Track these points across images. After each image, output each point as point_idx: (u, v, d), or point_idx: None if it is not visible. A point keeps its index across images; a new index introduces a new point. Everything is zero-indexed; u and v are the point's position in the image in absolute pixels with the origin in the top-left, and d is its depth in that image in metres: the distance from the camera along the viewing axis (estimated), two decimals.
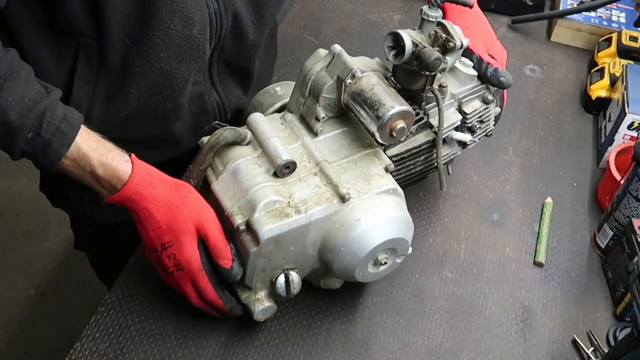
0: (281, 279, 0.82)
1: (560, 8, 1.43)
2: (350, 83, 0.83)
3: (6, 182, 2.17)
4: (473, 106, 0.95)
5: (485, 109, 0.97)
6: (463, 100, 0.95)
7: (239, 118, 1.06)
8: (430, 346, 0.91)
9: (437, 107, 0.89)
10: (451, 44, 0.84)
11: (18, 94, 0.73)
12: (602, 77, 1.28)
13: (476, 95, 0.96)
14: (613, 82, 1.25)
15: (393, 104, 0.79)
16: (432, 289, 0.98)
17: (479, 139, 1.01)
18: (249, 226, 0.78)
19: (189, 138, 1.01)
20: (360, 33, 1.42)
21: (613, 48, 1.33)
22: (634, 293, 0.81)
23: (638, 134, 1.12)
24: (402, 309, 0.95)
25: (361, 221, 0.79)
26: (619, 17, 1.46)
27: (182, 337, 0.89)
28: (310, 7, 1.48)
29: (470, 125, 0.97)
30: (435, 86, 0.89)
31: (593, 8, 1.41)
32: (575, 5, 1.42)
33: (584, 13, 1.42)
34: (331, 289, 0.91)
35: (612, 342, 0.92)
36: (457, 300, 0.97)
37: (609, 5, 1.43)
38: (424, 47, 0.82)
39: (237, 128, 0.84)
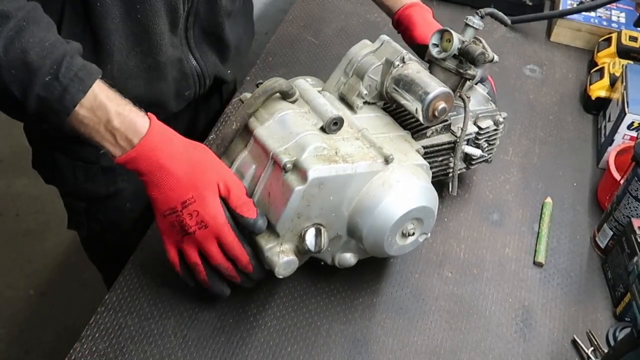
0: (311, 231, 0.82)
1: (560, 8, 1.43)
2: (398, 65, 0.90)
3: (6, 182, 2.17)
4: (486, 124, 1.02)
5: (495, 130, 1.04)
6: (479, 116, 1.02)
7: (218, 87, 1.12)
8: (430, 346, 0.91)
9: (459, 115, 0.98)
10: (486, 55, 0.91)
11: (39, 37, 0.74)
12: (602, 77, 1.28)
13: (489, 115, 1.03)
14: (613, 82, 1.25)
15: (437, 86, 0.87)
16: (432, 289, 0.98)
17: (480, 162, 1.07)
18: (296, 166, 0.79)
19: (172, 102, 1.04)
20: (360, 33, 1.42)
21: (613, 48, 1.33)
22: (633, 293, 0.81)
23: (638, 134, 1.12)
24: (402, 309, 0.95)
25: (401, 183, 0.82)
26: (618, 17, 1.46)
27: (182, 337, 0.89)
28: (310, 7, 1.48)
29: (479, 143, 1.03)
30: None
31: (593, 8, 1.41)
32: (575, 5, 1.42)
33: (583, 13, 1.42)
34: (344, 266, 0.90)
35: (612, 342, 0.92)
36: (457, 300, 0.97)
37: (608, 5, 1.43)
38: (469, 44, 0.91)
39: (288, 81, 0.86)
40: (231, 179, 0.81)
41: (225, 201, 0.80)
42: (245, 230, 0.82)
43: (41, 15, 0.77)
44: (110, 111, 0.76)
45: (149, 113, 0.79)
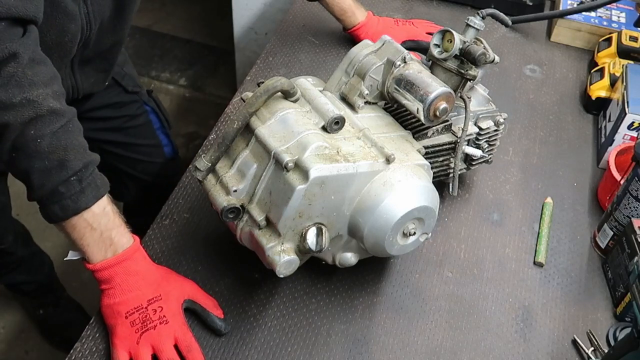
0: (312, 230, 0.82)
1: (560, 8, 1.43)
2: (399, 65, 0.90)
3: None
4: (487, 124, 1.03)
5: (495, 131, 1.04)
6: (479, 117, 1.02)
7: (84, 101, 1.20)
8: (430, 346, 0.91)
9: (460, 116, 0.98)
10: (487, 55, 0.91)
11: (79, 141, 0.82)
12: (602, 77, 1.28)
13: (490, 116, 1.03)
14: (613, 82, 1.25)
15: (438, 86, 0.88)
16: (432, 289, 0.98)
17: (480, 162, 1.07)
18: (298, 165, 0.79)
19: None
20: None
21: (613, 48, 1.33)
22: (634, 293, 0.81)
23: (638, 134, 1.12)
24: (402, 309, 0.95)
25: (403, 182, 0.83)
26: (619, 17, 1.46)
27: None
28: (310, 7, 1.48)
29: (480, 143, 1.03)
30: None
31: (593, 8, 1.41)
32: (575, 5, 1.42)
33: (584, 13, 1.42)
34: (345, 266, 0.90)
35: (612, 342, 0.92)
36: (457, 300, 0.97)
37: (609, 5, 1.43)
38: (470, 44, 0.92)
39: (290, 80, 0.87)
40: (198, 289, 0.91)
41: (194, 303, 0.89)
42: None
43: (78, 122, 0.84)
44: (113, 222, 0.85)
45: (134, 235, 0.88)
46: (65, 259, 0.87)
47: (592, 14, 1.44)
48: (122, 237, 0.86)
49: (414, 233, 0.86)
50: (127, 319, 0.84)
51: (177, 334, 0.84)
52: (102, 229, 0.84)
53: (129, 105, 1.33)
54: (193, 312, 0.90)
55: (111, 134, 1.33)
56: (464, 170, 1.07)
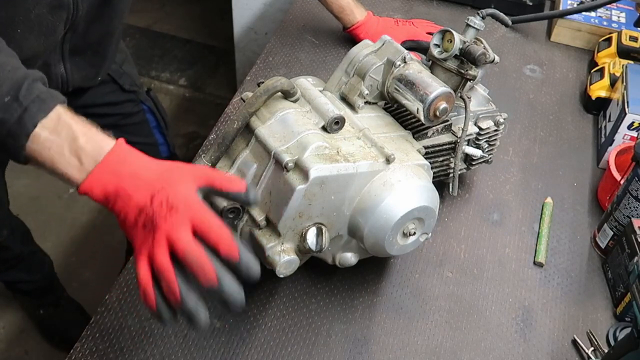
0: (312, 230, 0.82)
1: (560, 8, 1.43)
2: (400, 65, 0.90)
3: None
4: (487, 124, 1.03)
5: (495, 131, 1.04)
6: (479, 117, 1.02)
7: (78, 95, 1.17)
8: (430, 346, 0.91)
9: (460, 116, 0.98)
10: (487, 55, 0.91)
11: (0, 60, 0.71)
12: (602, 77, 1.28)
13: (490, 116, 1.03)
14: (613, 82, 1.25)
15: (438, 86, 0.88)
16: (432, 289, 0.98)
17: (480, 162, 1.07)
18: (298, 165, 0.79)
19: None
20: None
21: (613, 48, 1.33)
22: (634, 293, 0.81)
23: (638, 134, 1.12)
24: (402, 309, 0.95)
25: (403, 182, 0.83)
26: (619, 17, 1.46)
27: (182, 337, 0.89)
28: (310, 7, 1.48)
29: (480, 143, 1.03)
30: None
31: (593, 8, 1.41)
32: (575, 5, 1.42)
33: (584, 13, 1.42)
34: (345, 266, 0.90)
35: (612, 342, 0.92)
36: (457, 300, 0.97)
37: (609, 5, 1.43)
38: (470, 44, 0.92)
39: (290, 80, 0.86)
40: (209, 169, 0.75)
41: (209, 190, 0.72)
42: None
43: (4, 46, 0.74)
44: (76, 131, 0.70)
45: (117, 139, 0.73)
46: (68, 194, 0.77)
47: (592, 14, 1.44)
48: (98, 143, 0.70)
49: (414, 233, 0.86)
50: (137, 225, 0.69)
51: (192, 217, 0.68)
52: (68, 141, 0.69)
53: (125, 103, 1.33)
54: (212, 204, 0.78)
55: (105, 131, 1.33)
56: (464, 170, 1.07)
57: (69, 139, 0.69)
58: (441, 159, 0.99)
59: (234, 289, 0.65)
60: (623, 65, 1.22)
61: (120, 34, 1.18)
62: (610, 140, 1.16)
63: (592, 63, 1.38)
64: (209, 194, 0.72)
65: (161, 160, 0.73)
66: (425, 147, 0.94)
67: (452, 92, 0.89)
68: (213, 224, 0.67)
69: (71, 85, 1.12)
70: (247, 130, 0.84)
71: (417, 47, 1.31)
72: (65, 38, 1.02)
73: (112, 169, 0.69)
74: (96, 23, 1.05)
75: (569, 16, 1.42)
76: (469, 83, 0.95)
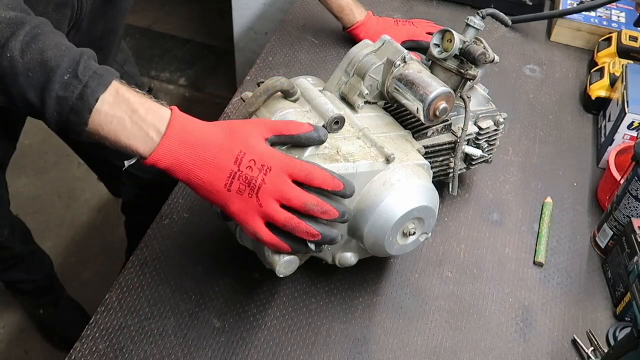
0: None
1: (560, 8, 1.43)
2: (400, 65, 0.90)
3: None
4: (487, 124, 1.02)
5: (495, 131, 1.04)
6: (479, 117, 1.02)
7: None
8: (430, 346, 0.91)
9: (460, 116, 0.98)
10: (487, 56, 0.91)
11: (55, 41, 0.72)
12: (602, 77, 1.28)
13: (490, 116, 1.03)
14: (613, 82, 1.25)
15: (438, 86, 0.88)
16: (432, 289, 0.98)
17: (480, 162, 1.07)
18: None
19: None
20: None
21: (613, 48, 1.33)
22: (634, 293, 0.81)
23: (638, 134, 1.12)
24: (402, 309, 0.95)
25: (403, 182, 0.83)
26: (619, 17, 1.46)
27: (182, 337, 0.89)
28: (310, 7, 1.48)
29: (480, 143, 1.03)
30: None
31: (593, 8, 1.41)
32: (575, 5, 1.42)
33: (584, 13, 1.42)
34: (345, 266, 0.90)
35: (612, 342, 0.92)
36: (457, 300, 0.97)
37: (609, 5, 1.43)
38: (470, 44, 0.92)
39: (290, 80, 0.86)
40: (268, 121, 0.78)
41: (278, 139, 0.76)
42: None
43: (53, 28, 0.76)
44: (135, 103, 0.72)
45: (170, 107, 0.76)
46: (124, 169, 0.77)
47: (592, 14, 1.44)
48: (157, 113, 0.73)
49: (414, 233, 0.86)
50: (231, 192, 0.73)
51: (287, 170, 0.73)
52: (129, 114, 0.72)
53: None
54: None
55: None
56: (464, 170, 1.07)
57: (130, 112, 0.72)
58: (441, 159, 0.99)
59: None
60: (623, 65, 1.22)
61: (122, 32, 1.18)
62: (610, 140, 1.16)
63: (592, 63, 1.38)
64: (277, 144, 0.76)
65: (215, 122, 0.76)
66: (425, 147, 0.94)
67: (452, 92, 0.89)
68: (310, 170, 0.73)
69: None
70: None
71: (417, 47, 1.31)
72: (69, 36, 1.02)
73: (179, 139, 0.72)
74: (100, 20, 1.05)
75: (569, 16, 1.42)
76: (469, 83, 0.95)
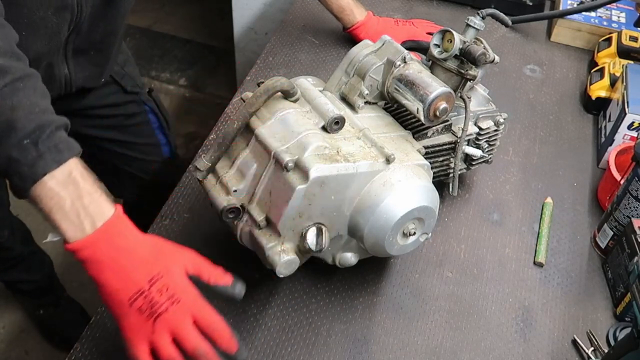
0: (312, 230, 0.82)
1: (560, 8, 1.43)
2: (399, 65, 0.90)
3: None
4: (487, 124, 1.03)
5: (495, 131, 1.04)
6: (479, 117, 1.02)
7: (81, 96, 1.16)
8: (430, 346, 0.91)
9: (460, 116, 0.97)
10: (487, 56, 0.91)
11: (32, 101, 0.71)
12: (602, 77, 1.28)
13: (490, 116, 1.03)
14: (613, 82, 1.25)
15: (438, 86, 0.88)
16: (432, 289, 0.98)
17: (480, 162, 1.07)
18: (298, 165, 0.79)
19: None
20: None
21: (613, 48, 1.33)
22: (634, 293, 0.81)
23: (638, 134, 1.12)
24: (402, 309, 0.95)
25: (403, 182, 0.83)
26: (619, 17, 1.46)
27: None
28: (310, 7, 1.48)
29: (480, 143, 1.03)
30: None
31: (593, 8, 1.41)
32: (575, 5, 1.42)
33: (584, 13, 1.42)
34: (345, 266, 0.90)
35: (612, 342, 0.92)
36: (457, 300, 0.97)
37: (609, 5, 1.43)
38: (470, 44, 0.92)
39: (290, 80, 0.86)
40: (197, 256, 0.77)
41: (196, 279, 0.75)
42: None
43: (39, 84, 0.75)
44: (83, 189, 0.71)
45: (115, 203, 0.75)
46: (44, 241, 0.78)
47: (592, 14, 1.44)
48: (100, 206, 0.72)
49: (414, 233, 0.86)
50: (132, 307, 0.71)
51: (193, 311, 0.72)
52: (72, 197, 0.70)
53: (127, 104, 1.33)
54: (199, 288, 0.77)
55: (108, 132, 1.33)
56: (464, 170, 1.07)
57: (74, 196, 0.71)
58: (441, 159, 0.99)
59: None
60: (623, 65, 1.22)
61: (122, 34, 1.18)
62: (610, 140, 1.16)
63: (592, 63, 1.38)
64: (195, 282, 0.75)
65: (150, 237, 0.76)
66: (425, 147, 0.94)
67: (452, 92, 0.89)
68: (214, 320, 0.72)
69: (74, 85, 1.11)
70: (247, 130, 0.84)
71: (417, 47, 1.31)
72: (69, 39, 1.02)
73: (109, 239, 0.71)
74: (100, 23, 1.05)
75: (569, 16, 1.42)
76: (469, 83, 0.95)
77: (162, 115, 1.41)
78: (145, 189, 1.46)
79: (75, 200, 0.71)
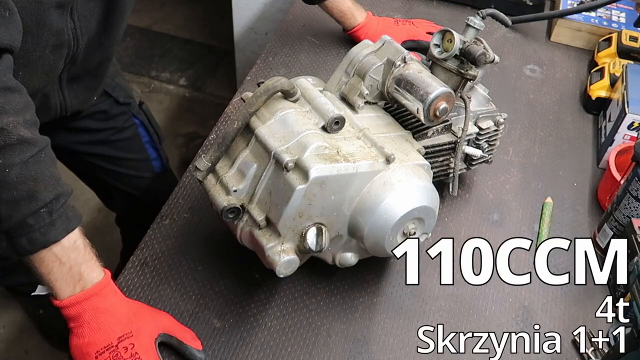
0: (312, 230, 0.82)
1: (560, 8, 1.43)
2: (399, 65, 0.90)
3: None
4: (487, 124, 1.03)
5: (495, 131, 1.04)
6: (479, 117, 1.02)
7: (75, 117, 1.18)
8: None
9: (460, 116, 0.97)
10: (487, 56, 0.91)
11: (50, 172, 0.78)
12: (602, 77, 1.28)
13: (490, 116, 1.03)
14: (613, 82, 1.25)
15: (438, 86, 0.88)
16: (432, 289, 0.98)
17: (480, 162, 1.07)
18: (298, 165, 0.79)
19: None
20: None
21: (613, 48, 1.33)
22: (634, 293, 0.81)
23: (638, 134, 1.12)
24: (402, 309, 0.95)
25: (403, 182, 0.83)
26: (619, 17, 1.46)
27: None
28: (310, 7, 1.48)
29: (480, 143, 1.03)
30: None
31: (593, 8, 1.41)
32: (575, 5, 1.42)
33: (584, 13, 1.42)
34: (345, 266, 0.90)
35: (612, 342, 0.92)
36: (457, 300, 0.97)
37: (609, 5, 1.43)
38: (470, 44, 0.92)
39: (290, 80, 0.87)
40: (172, 320, 0.87)
41: (168, 337, 0.85)
42: None
43: (52, 151, 0.80)
44: (83, 258, 0.81)
45: (105, 269, 0.84)
46: (32, 294, 0.86)
47: (592, 14, 1.44)
48: (92, 272, 0.82)
49: (414, 233, 0.86)
50: (97, 357, 0.80)
51: None
52: (72, 263, 0.80)
53: (117, 117, 1.31)
54: (170, 347, 0.86)
55: (97, 147, 1.32)
56: (464, 170, 1.07)
57: (73, 262, 0.79)
58: (441, 158, 0.99)
59: None
60: (623, 65, 1.22)
61: (113, 54, 1.17)
62: (610, 140, 1.16)
63: (592, 63, 1.38)
64: (167, 340, 0.85)
65: (130, 301, 0.86)
66: (425, 147, 0.94)
67: (452, 92, 0.89)
68: None
69: (69, 110, 1.11)
70: (247, 130, 0.84)
71: (417, 47, 1.31)
72: (64, 69, 1.02)
73: (93, 301, 0.81)
74: (95, 52, 1.05)
75: (569, 16, 1.42)
76: (469, 83, 0.95)
77: (153, 128, 1.39)
78: (135, 204, 1.45)
79: (74, 266, 0.80)
